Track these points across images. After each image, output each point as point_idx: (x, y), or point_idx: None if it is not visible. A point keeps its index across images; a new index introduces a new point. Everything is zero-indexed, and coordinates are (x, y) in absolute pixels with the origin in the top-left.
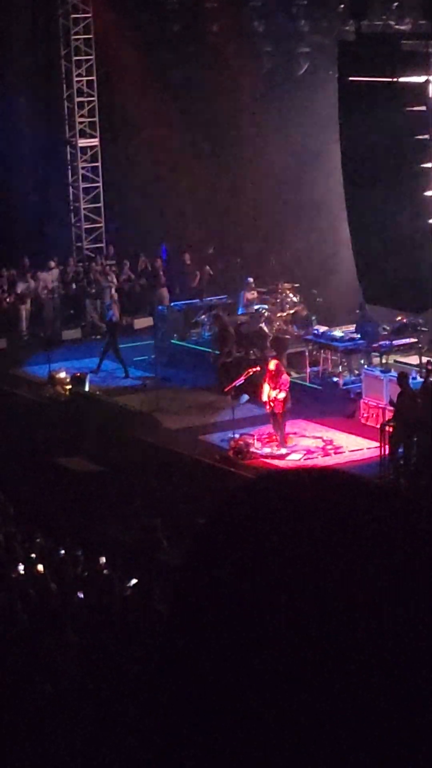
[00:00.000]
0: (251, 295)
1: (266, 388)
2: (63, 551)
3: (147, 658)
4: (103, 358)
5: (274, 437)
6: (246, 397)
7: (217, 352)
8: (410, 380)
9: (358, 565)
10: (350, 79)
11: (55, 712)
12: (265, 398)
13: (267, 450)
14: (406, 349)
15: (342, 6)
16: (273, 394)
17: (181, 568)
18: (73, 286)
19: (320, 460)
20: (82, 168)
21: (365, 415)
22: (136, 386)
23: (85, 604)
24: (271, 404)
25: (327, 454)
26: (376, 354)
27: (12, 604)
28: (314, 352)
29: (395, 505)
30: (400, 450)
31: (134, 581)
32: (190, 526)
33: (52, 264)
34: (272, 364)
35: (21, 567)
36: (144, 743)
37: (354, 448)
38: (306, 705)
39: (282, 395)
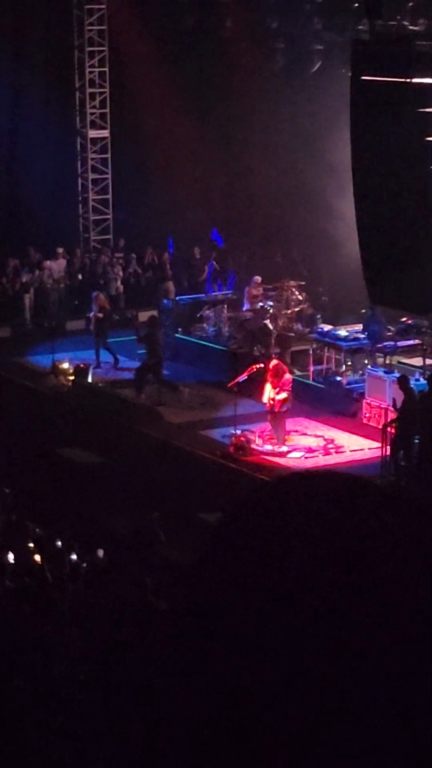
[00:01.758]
0: (256, 291)
1: (267, 386)
2: (60, 542)
3: (142, 649)
4: (98, 351)
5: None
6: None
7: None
8: (412, 382)
9: (371, 570)
10: (363, 78)
11: (50, 703)
12: (265, 398)
13: (268, 447)
14: (410, 351)
15: (356, 5)
16: (273, 393)
17: (197, 561)
18: (80, 276)
19: (321, 459)
20: (92, 159)
21: (367, 415)
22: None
23: (82, 596)
24: (271, 403)
25: (328, 453)
26: (381, 354)
27: (8, 592)
28: (318, 351)
29: (412, 515)
30: (401, 452)
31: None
32: (190, 521)
33: (60, 252)
34: (273, 363)
35: (11, 556)
36: (144, 735)
37: (355, 447)
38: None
39: (282, 395)
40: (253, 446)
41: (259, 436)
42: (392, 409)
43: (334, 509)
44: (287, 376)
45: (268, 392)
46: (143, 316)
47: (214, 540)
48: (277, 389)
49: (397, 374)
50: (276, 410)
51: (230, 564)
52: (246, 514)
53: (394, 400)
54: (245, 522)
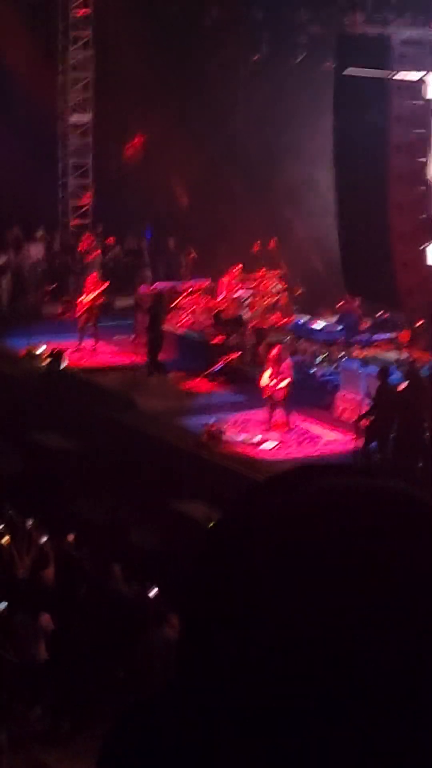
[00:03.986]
0: (233, 280)
1: (267, 373)
2: (31, 525)
3: (108, 638)
4: (82, 335)
5: (274, 422)
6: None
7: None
8: (390, 376)
9: (391, 582)
10: (346, 72)
11: (22, 687)
12: (263, 382)
13: (242, 437)
14: (386, 344)
15: None
16: (274, 381)
17: (195, 566)
18: (57, 261)
19: (294, 450)
20: (73, 144)
21: (341, 407)
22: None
23: (53, 581)
24: (271, 391)
25: (301, 445)
26: (356, 347)
27: None
28: (294, 342)
29: None
30: (373, 444)
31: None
32: (161, 509)
33: (39, 234)
34: (275, 350)
35: None
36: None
37: (328, 439)
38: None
39: (286, 381)
40: (227, 436)
41: (232, 426)
42: (366, 402)
43: (350, 511)
44: (288, 361)
45: (267, 378)
46: (120, 302)
47: (212, 542)
48: (279, 377)
49: (371, 367)
50: (279, 397)
51: (229, 568)
52: (245, 515)
53: (369, 392)
54: (244, 523)
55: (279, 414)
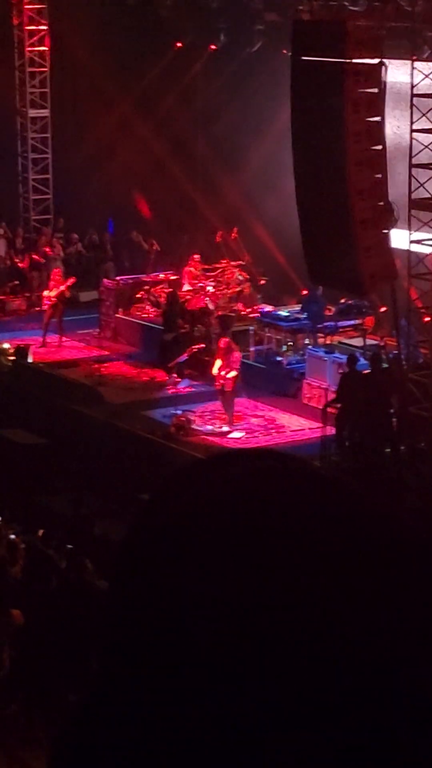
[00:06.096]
0: (196, 271)
1: (217, 363)
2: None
3: (82, 632)
4: (47, 330)
5: (223, 415)
6: (186, 381)
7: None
8: (357, 362)
9: (301, 557)
10: (303, 58)
11: None
12: (215, 370)
13: (209, 428)
14: (351, 331)
15: None
16: (223, 372)
17: (121, 547)
18: (20, 256)
19: (261, 439)
20: (32, 139)
21: (308, 395)
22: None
23: (23, 577)
24: (222, 382)
25: (268, 434)
26: (321, 334)
27: None
28: (259, 331)
29: (343, 497)
30: (343, 431)
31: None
32: (130, 501)
33: (0, 231)
34: (222, 342)
35: None
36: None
37: (296, 428)
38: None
39: (233, 374)
40: (194, 427)
41: (199, 417)
42: (332, 389)
43: (265, 492)
44: (236, 354)
45: (217, 369)
46: (84, 296)
47: (138, 521)
48: (228, 368)
49: (337, 355)
50: (227, 390)
51: (153, 548)
52: (170, 495)
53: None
54: (168, 503)
55: (225, 404)
